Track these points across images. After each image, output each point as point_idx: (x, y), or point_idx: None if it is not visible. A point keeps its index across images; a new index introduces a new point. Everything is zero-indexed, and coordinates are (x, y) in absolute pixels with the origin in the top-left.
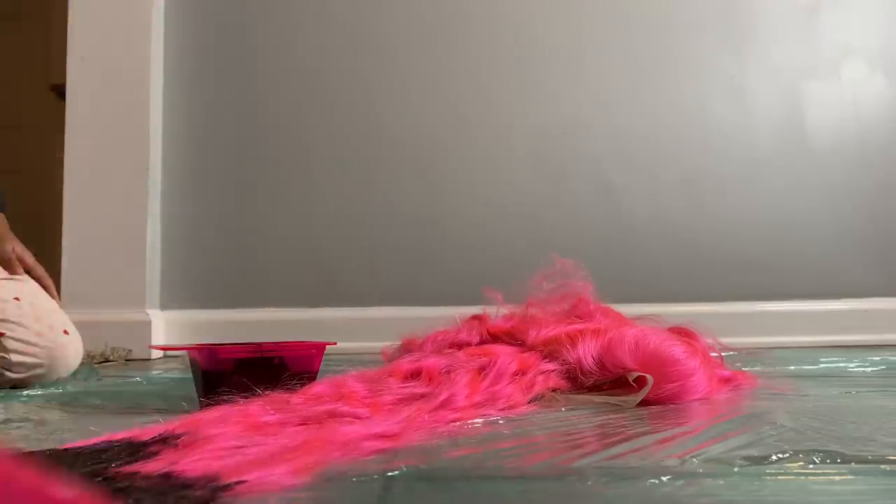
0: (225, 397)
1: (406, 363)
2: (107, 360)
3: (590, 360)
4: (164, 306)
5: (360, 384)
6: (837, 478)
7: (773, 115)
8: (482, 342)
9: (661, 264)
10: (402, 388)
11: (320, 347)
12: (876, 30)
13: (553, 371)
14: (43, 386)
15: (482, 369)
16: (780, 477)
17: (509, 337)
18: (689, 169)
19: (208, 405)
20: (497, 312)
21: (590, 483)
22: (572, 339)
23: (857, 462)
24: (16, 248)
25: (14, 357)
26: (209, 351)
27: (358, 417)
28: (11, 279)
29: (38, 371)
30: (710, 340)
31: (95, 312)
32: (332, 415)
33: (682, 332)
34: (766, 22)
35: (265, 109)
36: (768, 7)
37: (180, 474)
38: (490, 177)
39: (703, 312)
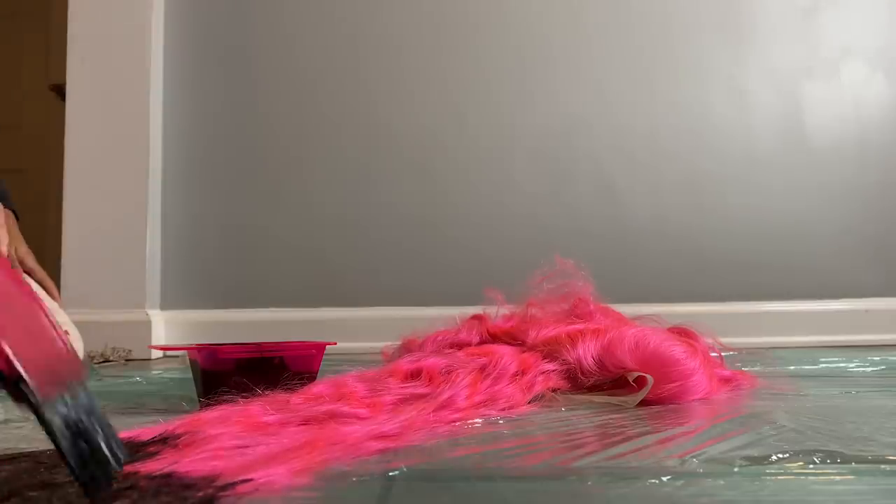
0: (225, 397)
1: (406, 363)
2: (107, 360)
3: (590, 360)
4: (164, 306)
5: (361, 384)
6: (837, 478)
7: (773, 114)
8: (482, 342)
9: (661, 264)
10: (403, 388)
11: (320, 347)
12: (876, 30)
13: (553, 371)
14: None
15: (483, 369)
16: (780, 477)
17: (509, 337)
18: (689, 169)
19: (208, 405)
20: (497, 312)
21: (590, 483)
22: (572, 339)
23: (857, 462)
24: (19, 249)
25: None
26: (209, 351)
27: (358, 417)
28: None
29: None
30: (710, 340)
31: (95, 312)
32: (333, 415)
33: (682, 332)
34: (766, 22)
35: (265, 109)
36: (768, 7)
37: (181, 474)
38: (491, 177)
39: (703, 312)
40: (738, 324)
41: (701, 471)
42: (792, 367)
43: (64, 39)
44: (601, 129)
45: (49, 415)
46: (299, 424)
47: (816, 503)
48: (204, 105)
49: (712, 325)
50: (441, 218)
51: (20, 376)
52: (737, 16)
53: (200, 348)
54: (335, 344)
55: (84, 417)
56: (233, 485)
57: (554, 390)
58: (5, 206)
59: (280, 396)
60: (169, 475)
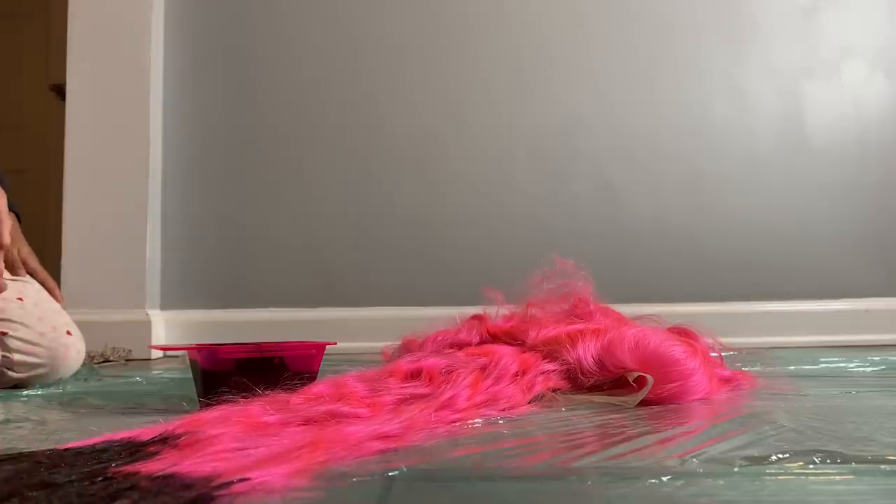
0: (225, 397)
1: (406, 363)
2: (107, 360)
3: (590, 360)
4: (164, 306)
5: (361, 384)
6: (837, 478)
7: (773, 114)
8: (482, 342)
9: (661, 264)
10: (403, 388)
11: (320, 347)
12: (876, 30)
13: (553, 371)
14: (43, 386)
15: (483, 369)
16: (780, 477)
17: (509, 337)
18: (689, 168)
19: (208, 405)
20: (497, 312)
21: (590, 483)
22: (572, 339)
23: (857, 462)
24: (21, 249)
25: (16, 357)
26: (209, 351)
27: (358, 417)
28: (14, 280)
29: (40, 371)
30: (710, 340)
31: (95, 312)
32: (333, 415)
33: (682, 332)
34: (766, 22)
35: (265, 109)
36: (768, 7)
37: (180, 474)
38: (490, 176)
39: (703, 312)
40: (738, 324)
41: (701, 471)
42: (792, 367)
43: (64, 39)
44: (601, 129)
45: None
46: (299, 424)
47: (816, 503)
48: (204, 105)
49: (712, 325)
50: (441, 218)
51: None
52: (737, 16)
53: (200, 348)
54: (335, 344)
55: None
56: (232, 484)
57: (554, 390)
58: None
59: (280, 396)
60: (169, 475)
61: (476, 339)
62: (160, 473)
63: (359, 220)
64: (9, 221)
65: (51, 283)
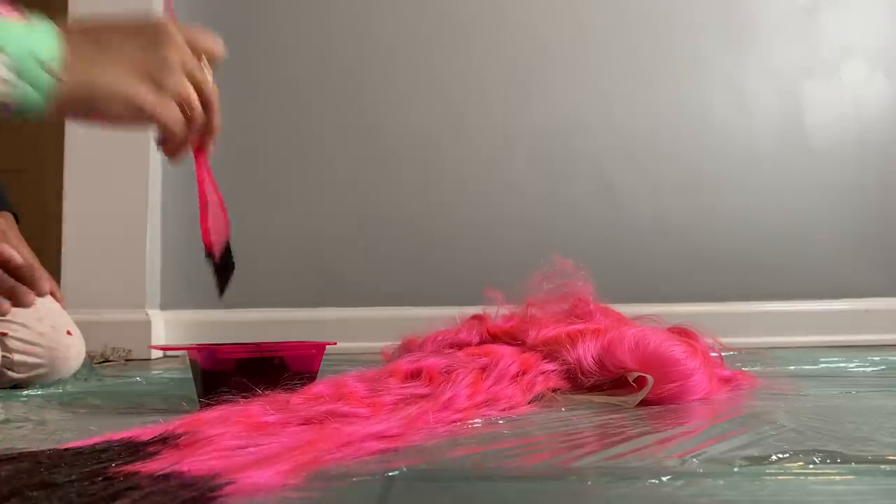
0: (225, 397)
1: (406, 363)
2: (107, 360)
3: (590, 360)
4: (164, 306)
5: (361, 384)
6: (837, 478)
7: (773, 114)
8: (482, 342)
9: (661, 264)
10: (403, 388)
11: (320, 347)
12: (876, 30)
13: (553, 371)
14: (43, 386)
15: (483, 369)
16: (780, 477)
17: (509, 337)
18: (688, 169)
19: (208, 405)
20: (497, 312)
21: (590, 483)
22: (572, 339)
23: (857, 462)
24: (23, 252)
25: (16, 357)
26: (209, 351)
27: (358, 417)
28: None
29: (40, 371)
30: (710, 340)
31: (95, 312)
32: (333, 415)
33: (682, 332)
34: (766, 22)
35: (265, 109)
36: (768, 7)
37: (180, 474)
38: (490, 176)
39: (703, 312)
40: (738, 324)
41: (701, 471)
42: (792, 367)
43: None
44: (600, 130)
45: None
46: (299, 424)
47: (816, 503)
48: None
49: (712, 325)
50: (441, 218)
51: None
52: (737, 16)
53: (200, 348)
54: (335, 344)
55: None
56: (231, 484)
57: (554, 390)
58: (4, 209)
59: (280, 396)
60: (169, 475)
61: (476, 339)
62: (160, 473)
63: (359, 220)
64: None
65: (51, 283)
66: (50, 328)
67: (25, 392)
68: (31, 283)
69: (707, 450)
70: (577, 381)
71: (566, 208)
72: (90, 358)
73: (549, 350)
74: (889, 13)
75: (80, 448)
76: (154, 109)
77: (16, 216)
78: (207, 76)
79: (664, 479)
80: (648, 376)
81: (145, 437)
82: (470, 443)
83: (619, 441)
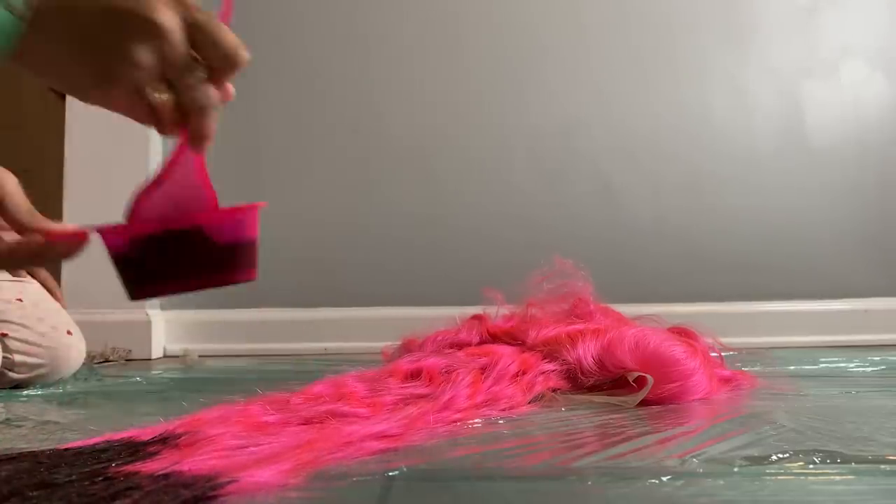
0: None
1: (406, 363)
2: (107, 360)
3: (590, 360)
4: (164, 306)
5: (361, 384)
6: (837, 478)
7: (773, 114)
8: (482, 342)
9: (660, 264)
10: (403, 388)
11: (249, 209)
12: (876, 30)
13: (553, 371)
14: (43, 386)
15: (484, 369)
16: (780, 477)
17: (509, 337)
18: (688, 169)
19: (139, 297)
20: (497, 312)
21: (590, 483)
22: (572, 339)
23: (857, 462)
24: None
25: (17, 357)
26: (102, 230)
27: (358, 417)
28: (14, 280)
29: (41, 371)
30: (710, 340)
31: (95, 312)
32: (333, 415)
33: (682, 332)
34: (766, 22)
35: (264, 108)
36: (768, 7)
37: (180, 474)
38: (490, 176)
39: (703, 312)
40: (738, 324)
41: (701, 471)
42: (792, 367)
43: None
44: (600, 130)
45: None
46: (299, 424)
47: (816, 503)
48: None
49: (712, 325)
50: (440, 218)
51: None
52: (737, 16)
53: (99, 228)
54: (264, 205)
55: None
56: (231, 484)
57: (554, 390)
58: None
59: (280, 396)
60: (168, 475)
61: (476, 339)
62: (160, 473)
63: (358, 219)
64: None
65: (51, 282)
66: (50, 328)
67: (26, 392)
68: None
69: (707, 450)
70: (577, 381)
71: (566, 208)
72: (90, 358)
73: (549, 350)
74: (889, 13)
75: (80, 448)
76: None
77: None
78: (196, 80)
79: (664, 479)
80: (648, 376)
81: (145, 437)
82: (470, 443)
83: (619, 441)
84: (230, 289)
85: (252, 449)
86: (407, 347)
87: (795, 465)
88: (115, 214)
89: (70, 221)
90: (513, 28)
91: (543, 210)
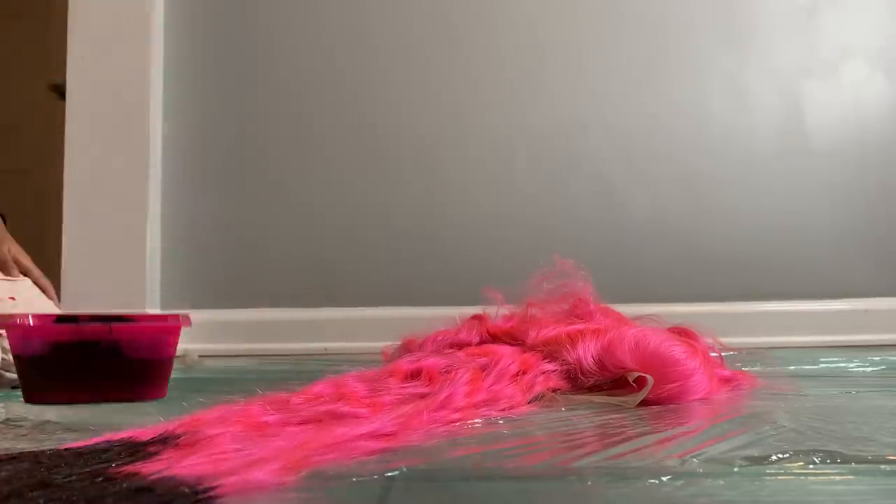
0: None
1: (406, 363)
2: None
3: (590, 360)
4: (164, 306)
5: (360, 384)
6: (837, 478)
7: (772, 115)
8: (482, 342)
9: (660, 264)
10: (403, 388)
11: (171, 328)
12: (876, 30)
13: (553, 371)
14: None
15: (483, 369)
16: (780, 477)
17: (509, 337)
18: (688, 169)
19: (32, 402)
20: (497, 312)
21: (590, 483)
22: (572, 339)
23: (857, 462)
24: (11, 248)
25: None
26: (16, 328)
27: (358, 417)
28: (6, 280)
29: None
30: (710, 340)
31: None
32: (333, 415)
33: (682, 333)
34: (766, 22)
35: (265, 109)
36: (768, 7)
37: (180, 474)
38: (489, 177)
39: (703, 312)
40: (738, 324)
41: (701, 471)
42: (792, 367)
43: (64, 39)
44: (601, 130)
45: None
46: (299, 424)
47: (816, 503)
48: (204, 105)
49: (712, 325)
50: (440, 217)
51: None
52: (736, 15)
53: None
54: (188, 323)
55: None
56: (231, 484)
57: (554, 390)
58: None
59: (280, 396)
60: (169, 475)
61: (476, 339)
62: (160, 473)
63: (359, 219)
64: None
65: (44, 281)
66: None
67: None
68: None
69: (707, 450)
70: (577, 381)
71: (566, 208)
72: None
73: (549, 350)
74: (889, 13)
75: (80, 448)
76: None
77: (3, 217)
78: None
79: (664, 479)
80: (648, 376)
81: (145, 437)
82: (470, 443)
83: (619, 441)
84: (230, 289)
85: (252, 449)
86: (407, 347)
87: (795, 465)
88: (115, 214)
89: (70, 221)
90: (512, 28)
91: (543, 210)
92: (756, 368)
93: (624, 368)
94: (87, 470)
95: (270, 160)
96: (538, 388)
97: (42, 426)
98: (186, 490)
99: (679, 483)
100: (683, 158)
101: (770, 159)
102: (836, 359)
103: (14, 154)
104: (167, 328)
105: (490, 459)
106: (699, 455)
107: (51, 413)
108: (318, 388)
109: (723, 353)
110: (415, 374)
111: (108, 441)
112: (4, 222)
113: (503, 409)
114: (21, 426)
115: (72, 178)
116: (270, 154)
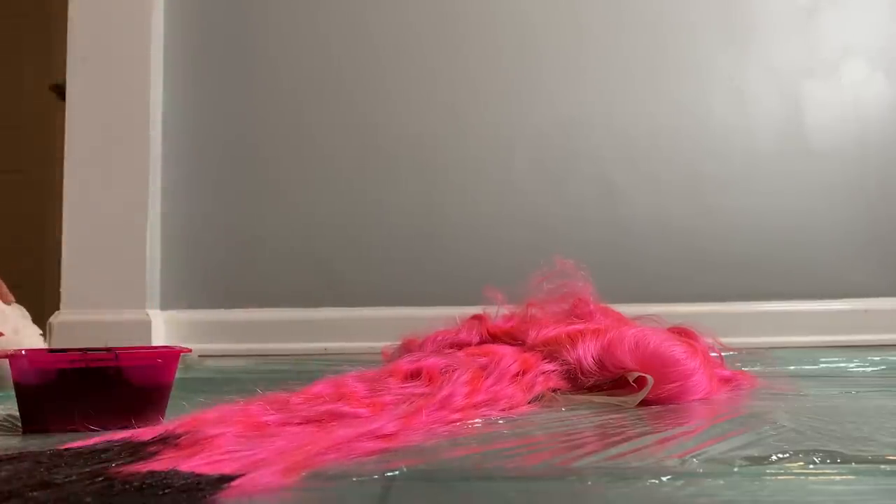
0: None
1: (406, 363)
2: None
3: (590, 360)
4: (164, 306)
5: (361, 384)
6: (837, 478)
7: (773, 115)
8: (482, 342)
9: (661, 264)
10: (403, 388)
11: (171, 356)
12: (876, 30)
13: (553, 371)
14: None
15: (483, 369)
16: (780, 477)
17: (509, 337)
18: (689, 169)
19: (32, 432)
20: (497, 312)
21: (590, 483)
22: (572, 339)
23: (857, 462)
24: None
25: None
26: (22, 358)
27: (358, 417)
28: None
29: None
30: (710, 340)
31: (95, 312)
32: (333, 415)
33: (682, 333)
34: (766, 22)
35: (265, 110)
36: (768, 7)
37: (180, 474)
38: (490, 176)
39: (703, 312)
40: (738, 324)
41: (701, 471)
42: (792, 367)
43: (64, 39)
44: (601, 130)
45: None
46: (299, 424)
47: (816, 503)
48: (204, 105)
49: (712, 325)
50: (441, 217)
51: None
52: (737, 15)
53: (10, 355)
54: (189, 351)
55: None
56: (231, 484)
57: (554, 390)
58: None
59: (280, 396)
60: (169, 475)
61: (476, 339)
62: (160, 473)
63: (358, 219)
64: None
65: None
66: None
67: None
68: None
69: (707, 450)
70: (577, 381)
71: (566, 208)
72: None
73: (550, 350)
74: (889, 13)
75: (80, 448)
76: None
77: None
78: None
79: (664, 479)
80: (648, 376)
81: (145, 437)
82: (470, 443)
83: (619, 441)
84: (230, 289)
85: (252, 449)
86: (407, 347)
87: (795, 465)
88: (115, 214)
89: (70, 221)
90: (513, 28)
91: (543, 210)
92: (756, 368)
93: (624, 368)
94: (87, 470)
95: (270, 160)
96: (538, 388)
97: None
98: (186, 490)
99: (679, 483)
100: (684, 158)
101: (770, 159)
102: (836, 359)
103: (14, 154)
104: (169, 353)
105: (490, 459)
106: (699, 455)
107: None
108: (318, 388)
109: (723, 353)
110: (415, 374)
111: (109, 441)
112: None
113: (503, 409)
114: (21, 426)
115: (72, 178)
116: (270, 154)
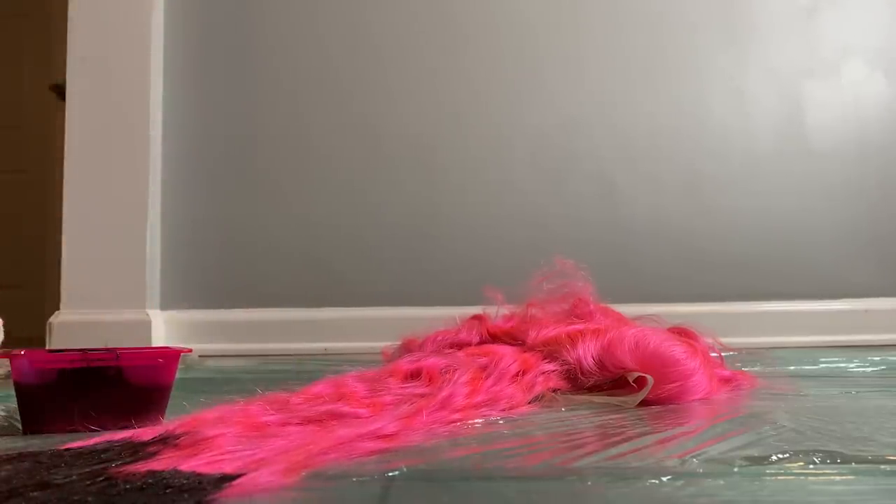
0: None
1: (406, 363)
2: None
3: (590, 360)
4: (164, 306)
5: (361, 384)
6: (837, 478)
7: (772, 115)
8: (482, 342)
9: (660, 264)
10: (403, 388)
11: (172, 356)
12: (876, 30)
13: (553, 371)
14: None
15: (483, 369)
16: (780, 477)
17: (509, 337)
18: (688, 169)
19: (33, 433)
20: (497, 312)
21: (590, 483)
22: (572, 339)
23: (857, 462)
24: None
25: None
26: (22, 359)
27: (358, 417)
28: None
29: None
30: (710, 340)
31: (95, 312)
32: (333, 415)
33: (683, 333)
34: (766, 22)
35: (265, 110)
36: (768, 7)
37: (180, 474)
38: (490, 177)
39: (703, 312)
40: (738, 324)
41: (701, 471)
42: (792, 367)
43: (64, 39)
44: (601, 130)
45: None
46: (299, 424)
47: (816, 503)
48: (204, 105)
49: (712, 325)
50: (441, 218)
51: None
52: (737, 16)
53: (10, 355)
54: (189, 351)
55: None
56: (231, 484)
57: (554, 390)
58: None
59: (280, 396)
60: (169, 475)
61: (476, 340)
62: (161, 473)
63: (358, 219)
64: None
65: None
66: None
67: None
68: None
69: (707, 450)
70: (577, 381)
71: (566, 208)
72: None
73: (550, 350)
74: (889, 13)
75: (80, 448)
76: None
77: None
78: None
79: (664, 479)
80: (648, 376)
81: (145, 437)
82: (470, 443)
83: (619, 441)
84: (230, 289)
85: (252, 449)
86: (407, 347)
87: (795, 465)
88: (115, 214)
89: (70, 221)
90: (513, 28)
91: (543, 210)
92: (756, 368)
93: (624, 368)
94: (88, 470)
95: (270, 160)
96: (538, 389)
97: None
98: (186, 490)
99: (679, 483)
100: (684, 158)
101: (770, 159)
102: (836, 359)
103: (14, 154)
104: (170, 353)
105: (490, 459)
106: (699, 455)
107: None
108: (318, 388)
109: (723, 353)
110: (415, 375)
111: (109, 441)
112: None
113: (503, 410)
114: (21, 426)
115: (72, 178)
116: (270, 154)
